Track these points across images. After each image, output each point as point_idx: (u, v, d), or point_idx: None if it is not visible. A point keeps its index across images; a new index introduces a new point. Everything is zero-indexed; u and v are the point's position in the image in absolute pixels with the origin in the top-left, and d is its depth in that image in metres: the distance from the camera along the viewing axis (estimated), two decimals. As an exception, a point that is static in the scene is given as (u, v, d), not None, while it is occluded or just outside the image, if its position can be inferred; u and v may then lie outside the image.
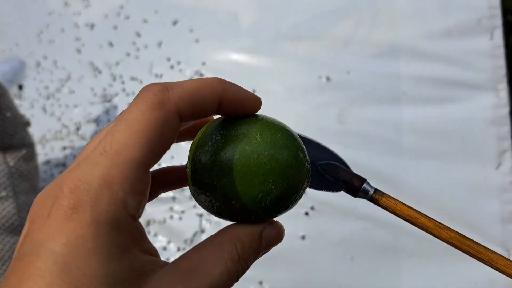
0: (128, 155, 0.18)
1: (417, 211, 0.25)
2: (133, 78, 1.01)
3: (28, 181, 0.72)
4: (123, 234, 0.18)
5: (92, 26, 1.09)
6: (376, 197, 0.25)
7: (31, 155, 0.74)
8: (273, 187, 0.22)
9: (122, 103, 1.00)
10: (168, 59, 0.98)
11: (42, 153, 1.02)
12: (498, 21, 0.79)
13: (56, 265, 0.16)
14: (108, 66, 1.04)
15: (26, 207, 0.70)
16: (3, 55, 1.16)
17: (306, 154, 0.24)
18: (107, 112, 1.01)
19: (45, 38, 1.13)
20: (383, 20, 0.86)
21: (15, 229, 0.67)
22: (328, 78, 0.85)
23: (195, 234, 0.81)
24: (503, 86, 0.77)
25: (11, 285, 0.16)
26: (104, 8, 1.09)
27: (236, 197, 0.22)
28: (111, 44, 1.06)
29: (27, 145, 0.74)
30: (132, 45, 1.03)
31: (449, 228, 0.25)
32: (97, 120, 1.01)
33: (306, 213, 0.77)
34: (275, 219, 0.24)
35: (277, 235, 0.23)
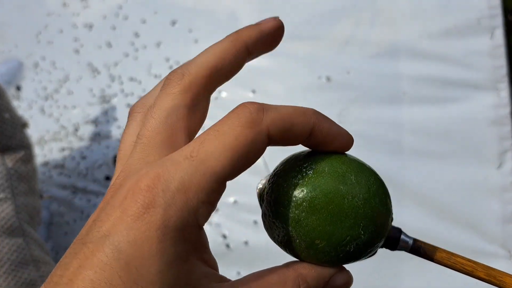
0: (213, 165, 0.18)
1: (470, 260, 0.22)
2: (132, 79, 1.00)
3: (26, 182, 0.72)
4: (188, 243, 0.18)
5: (90, 26, 1.09)
6: (417, 248, 0.23)
7: (29, 157, 0.74)
8: (362, 232, 0.21)
9: (120, 104, 1.00)
10: (167, 60, 0.98)
11: (41, 154, 1.01)
12: (499, 21, 0.79)
13: (118, 262, 0.16)
14: (107, 66, 1.04)
15: (24, 208, 0.70)
16: (1, 56, 1.16)
17: (391, 201, 0.24)
18: (105, 113, 1.00)
19: (43, 39, 1.13)
20: (383, 20, 0.85)
21: (14, 231, 0.66)
22: (328, 78, 0.85)
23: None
24: (504, 85, 0.77)
25: (71, 266, 0.17)
26: (103, 8, 1.08)
27: (322, 237, 0.21)
28: (109, 45, 1.05)
29: (26, 147, 0.74)
30: (131, 46, 1.02)
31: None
32: (95, 121, 1.00)
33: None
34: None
35: (346, 284, 0.22)
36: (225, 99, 0.89)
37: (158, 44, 1.00)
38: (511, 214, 0.72)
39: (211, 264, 0.21)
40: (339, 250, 0.21)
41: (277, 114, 0.20)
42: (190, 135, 0.22)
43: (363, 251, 0.22)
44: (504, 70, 0.77)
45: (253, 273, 0.21)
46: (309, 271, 0.21)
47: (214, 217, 0.81)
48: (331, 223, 0.21)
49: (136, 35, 1.03)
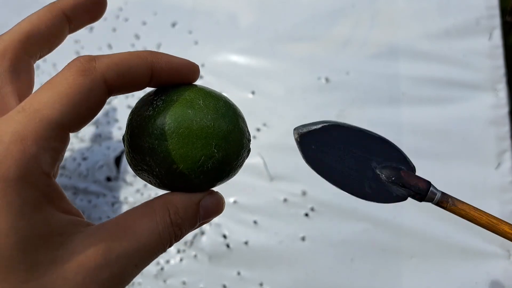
0: (47, 113, 0.18)
1: (493, 216, 0.24)
2: (132, 80, 1.01)
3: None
4: (35, 191, 0.17)
5: (91, 28, 1.09)
6: (444, 203, 0.25)
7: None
8: (215, 150, 0.22)
9: (121, 105, 1.00)
10: (167, 61, 0.98)
11: (42, 155, 1.02)
12: (497, 21, 0.79)
13: None
14: (107, 68, 1.04)
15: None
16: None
17: (247, 124, 0.25)
18: (106, 114, 1.01)
19: (44, 40, 1.13)
20: (382, 21, 0.86)
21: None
22: (327, 79, 0.85)
23: (195, 236, 0.81)
24: (502, 86, 0.77)
25: None
26: (103, 10, 1.09)
27: (178, 160, 0.21)
28: (110, 46, 1.06)
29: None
30: (131, 47, 1.03)
31: None
32: (96, 123, 1.01)
33: (306, 214, 0.77)
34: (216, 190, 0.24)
35: (217, 205, 0.23)
36: (225, 100, 0.90)
37: (158, 46, 1.00)
38: (510, 214, 0.72)
39: (75, 213, 0.21)
40: (197, 172, 0.22)
41: (110, 60, 0.20)
42: (21, 98, 0.22)
43: (222, 170, 0.22)
44: (502, 71, 0.77)
45: (125, 211, 0.21)
46: (177, 196, 0.22)
47: (214, 219, 0.81)
48: (183, 146, 0.21)
49: (137, 36, 1.03)
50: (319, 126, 0.25)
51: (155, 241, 0.20)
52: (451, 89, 0.79)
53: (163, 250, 0.21)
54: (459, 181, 0.75)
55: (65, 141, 0.19)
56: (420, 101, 0.80)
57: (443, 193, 0.25)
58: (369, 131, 0.26)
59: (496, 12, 0.80)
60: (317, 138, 0.25)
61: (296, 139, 0.25)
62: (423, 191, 0.25)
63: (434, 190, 0.25)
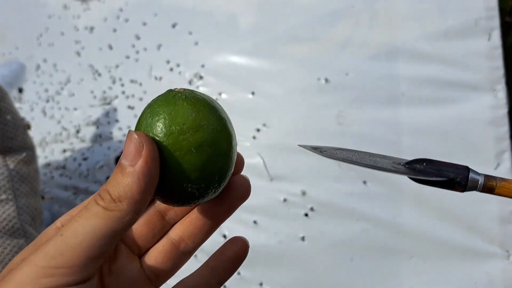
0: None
1: None
2: (132, 81, 1.01)
3: (28, 184, 0.72)
4: None
5: (91, 29, 1.09)
6: (491, 182, 0.21)
7: (31, 158, 0.75)
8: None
9: (121, 105, 1.00)
10: (168, 62, 0.98)
11: (42, 155, 1.02)
12: (496, 22, 0.79)
13: None
14: (108, 68, 1.04)
15: (26, 210, 0.70)
16: (3, 58, 1.17)
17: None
18: (106, 114, 1.01)
19: (44, 41, 1.14)
20: (381, 22, 0.86)
21: (15, 232, 0.67)
22: (327, 80, 0.85)
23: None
24: (501, 87, 0.77)
25: None
26: (104, 11, 1.09)
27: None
28: (110, 47, 1.06)
29: (27, 148, 0.74)
30: (132, 48, 1.03)
31: None
32: (97, 123, 1.01)
33: (306, 215, 0.77)
34: None
35: (135, 146, 0.23)
36: (225, 100, 0.90)
37: (159, 46, 1.01)
38: (509, 215, 0.72)
39: None
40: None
41: None
42: None
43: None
44: (501, 71, 0.78)
45: None
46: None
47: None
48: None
49: (137, 37, 1.03)
50: (328, 146, 0.25)
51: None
52: (450, 89, 0.79)
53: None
54: (458, 182, 0.75)
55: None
56: (419, 102, 0.80)
57: (486, 175, 0.22)
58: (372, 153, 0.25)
59: (495, 13, 0.80)
60: (329, 150, 0.25)
61: (316, 151, 0.25)
62: (462, 173, 0.22)
63: (475, 175, 0.22)
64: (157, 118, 0.23)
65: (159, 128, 0.23)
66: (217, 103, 0.26)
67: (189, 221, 0.28)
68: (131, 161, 0.22)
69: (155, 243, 0.28)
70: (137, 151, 0.22)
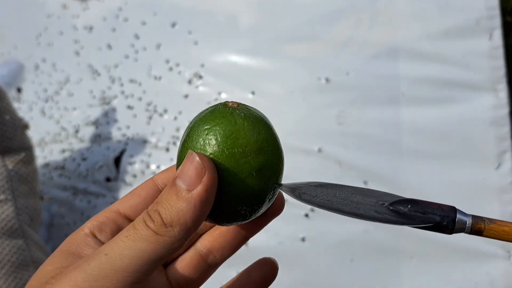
0: None
1: None
2: (132, 81, 1.01)
3: (27, 184, 0.72)
4: None
5: (90, 28, 1.09)
6: (479, 224, 0.21)
7: (30, 158, 0.74)
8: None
9: (121, 105, 1.00)
10: (167, 61, 0.98)
11: (41, 156, 1.02)
12: (497, 22, 0.79)
13: None
14: (107, 68, 1.04)
15: (25, 210, 0.70)
16: (1, 58, 1.16)
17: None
18: (106, 114, 1.01)
19: (43, 41, 1.13)
20: (382, 21, 0.86)
21: (14, 232, 0.66)
22: (327, 80, 0.85)
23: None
24: (503, 86, 0.77)
25: None
26: (103, 10, 1.09)
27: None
28: (109, 47, 1.05)
29: (26, 148, 0.74)
30: (131, 48, 1.03)
31: None
32: (96, 123, 1.01)
33: (306, 215, 0.77)
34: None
35: (195, 169, 0.22)
36: (225, 100, 0.90)
37: (158, 46, 1.00)
38: (510, 215, 0.72)
39: None
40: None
41: None
42: None
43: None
44: (502, 71, 0.77)
45: None
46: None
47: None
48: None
49: (136, 37, 1.03)
50: (304, 183, 0.24)
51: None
52: (451, 89, 0.79)
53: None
54: (459, 182, 0.75)
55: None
56: (420, 102, 0.80)
57: (474, 216, 0.21)
58: (358, 187, 0.24)
59: (497, 12, 0.79)
60: (308, 190, 0.24)
61: (286, 191, 0.24)
62: (449, 215, 0.21)
63: (462, 216, 0.21)
64: (216, 138, 0.22)
65: (219, 149, 0.22)
66: (267, 118, 0.25)
67: (219, 233, 0.27)
68: (189, 185, 0.20)
69: (181, 253, 0.27)
70: (197, 176, 0.20)
